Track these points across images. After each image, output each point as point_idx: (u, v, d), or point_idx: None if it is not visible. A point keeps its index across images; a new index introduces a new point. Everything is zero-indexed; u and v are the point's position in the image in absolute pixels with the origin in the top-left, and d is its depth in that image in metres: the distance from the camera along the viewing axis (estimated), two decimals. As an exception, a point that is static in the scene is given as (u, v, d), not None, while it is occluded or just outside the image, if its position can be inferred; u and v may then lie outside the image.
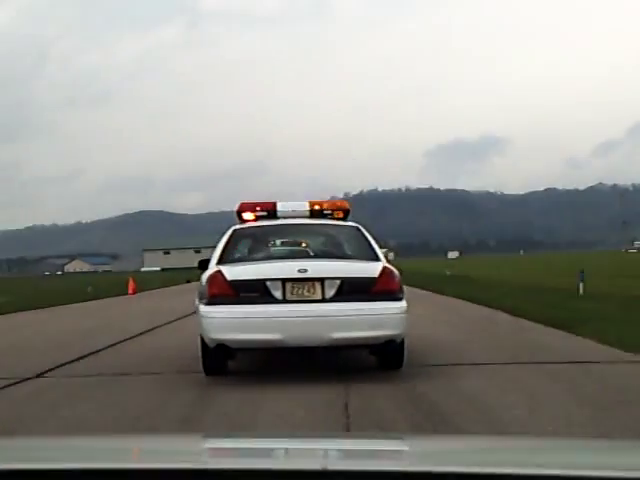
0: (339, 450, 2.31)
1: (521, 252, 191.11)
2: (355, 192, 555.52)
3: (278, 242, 11.48)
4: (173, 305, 25.65)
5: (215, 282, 9.31)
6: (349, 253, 10.53)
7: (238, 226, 10.96)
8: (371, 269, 9.46)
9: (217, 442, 2.70)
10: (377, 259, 9.88)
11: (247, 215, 11.21)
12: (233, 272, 9.37)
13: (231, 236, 10.52)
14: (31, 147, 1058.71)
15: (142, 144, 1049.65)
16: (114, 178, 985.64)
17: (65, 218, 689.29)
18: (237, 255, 10.37)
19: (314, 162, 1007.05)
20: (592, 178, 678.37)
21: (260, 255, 10.58)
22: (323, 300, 9.15)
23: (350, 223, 11.12)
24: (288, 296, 9.15)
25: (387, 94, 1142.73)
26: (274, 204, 11.21)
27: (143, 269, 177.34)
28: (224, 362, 9.81)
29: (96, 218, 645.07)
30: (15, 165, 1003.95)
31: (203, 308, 9.29)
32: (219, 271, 9.40)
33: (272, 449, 2.31)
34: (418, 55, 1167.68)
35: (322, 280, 9.19)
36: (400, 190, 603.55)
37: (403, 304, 9.34)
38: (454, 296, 26.22)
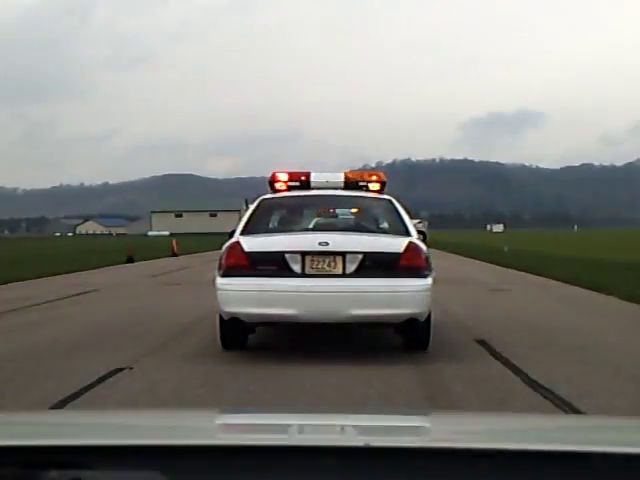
0: (357, 426, 2.28)
1: (575, 227, 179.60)
2: (388, 161, 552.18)
3: (305, 214, 11.14)
4: None
5: (232, 253, 9.21)
6: (378, 227, 10.48)
7: (266, 196, 10.79)
8: (396, 244, 9.22)
9: (232, 418, 2.67)
10: (407, 234, 9.55)
11: (279, 185, 10.94)
12: (251, 243, 9.25)
13: (258, 206, 10.31)
14: (66, 107, 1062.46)
15: (177, 107, 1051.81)
16: (146, 141, 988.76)
17: (93, 179, 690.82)
18: (262, 226, 10.04)
19: (347, 131, 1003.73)
20: (630, 154, 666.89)
21: (284, 227, 10.47)
22: (343, 275, 9.00)
23: (383, 196, 10.79)
24: (307, 270, 9.01)
25: (423, 65, 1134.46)
26: (308, 174, 10.91)
27: (150, 233, 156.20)
28: (243, 336, 9.71)
29: (124, 180, 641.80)
30: (47, 124, 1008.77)
31: (218, 280, 9.22)
32: (237, 242, 9.28)
33: (287, 425, 2.26)
34: (456, 27, 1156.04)
35: (343, 254, 9.02)
36: (434, 160, 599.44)
37: (428, 281, 9.10)
38: None
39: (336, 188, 10.84)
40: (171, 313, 14.09)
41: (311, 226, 10.55)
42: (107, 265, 33.38)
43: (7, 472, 1.47)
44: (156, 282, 23.32)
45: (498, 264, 32.11)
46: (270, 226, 10.38)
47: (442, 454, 1.60)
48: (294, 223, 10.63)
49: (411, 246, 9.15)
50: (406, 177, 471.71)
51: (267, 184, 11.14)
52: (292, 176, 10.95)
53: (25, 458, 1.54)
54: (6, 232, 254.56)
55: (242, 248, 9.14)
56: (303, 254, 9.02)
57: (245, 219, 10.00)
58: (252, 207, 10.35)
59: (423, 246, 9.38)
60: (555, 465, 1.55)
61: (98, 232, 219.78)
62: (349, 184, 10.88)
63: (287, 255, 9.00)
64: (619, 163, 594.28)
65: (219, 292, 9.14)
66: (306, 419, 2.43)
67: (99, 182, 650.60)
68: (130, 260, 36.43)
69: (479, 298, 17.46)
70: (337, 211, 11.53)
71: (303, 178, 10.88)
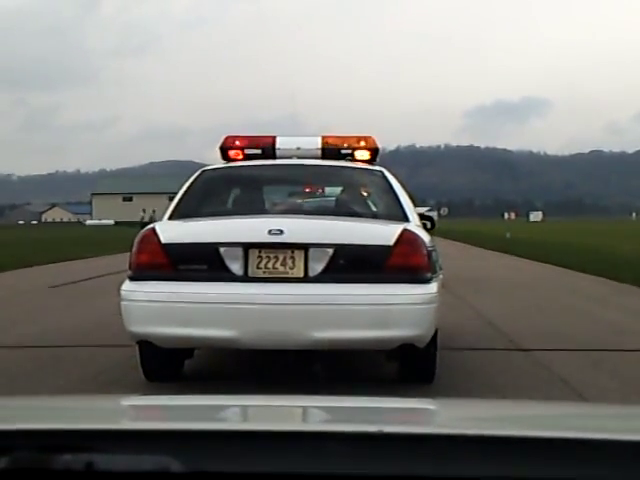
0: (367, 409, 2.17)
1: (633, 215, 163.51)
2: (391, 147, 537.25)
3: (265, 192, 8.58)
4: None
5: (144, 246, 6.63)
6: (363, 209, 7.86)
7: (209, 167, 8.38)
8: (383, 233, 6.68)
9: (244, 400, 2.46)
10: (404, 218, 7.10)
11: (234, 152, 8.39)
12: (172, 232, 6.77)
13: (195, 180, 7.78)
14: (68, 94, 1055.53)
15: (178, 94, 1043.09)
16: (146, 128, 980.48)
17: (90, 166, 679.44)
18: (197, 208, 7.50)
19: (350, 117, 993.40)
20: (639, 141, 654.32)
21: (226, 209, 7.88)
22: (305, 279, 6.45)
23: (374, 167, 8.24)
24: (252, 271, 6.45)
25: (427, 53, 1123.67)
26: (273, 139, 8.45)
27: (89, 222, 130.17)
28: (174, 362, 7.07)
29: (121, 166, 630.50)
30: (48, 111, 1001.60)
31: (125, 285, 6.68)
32: (152, 229, 6.69)
33: (291, 409, 2.15)
34: (461, 14, 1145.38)
35: (305, 248, 6.44)
36: (439, 147, 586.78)
37: (431, 288, 6.46)
38: None
39: (311, 157, 8.28)
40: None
41: (266, 208, 8.17)
42: None
43: (21, 456, 1.50)
44: None
45: None
46: (208, 208, 7.72)
47: (448, 440, 1.57)
48: (242, 204, 8.08)
49: (405, 236, 6.55)
50: (410, 163, 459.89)
51: (219, 152, 8.51)
52: (252, 141, 8.51)
53: (39, 442, 1.54)
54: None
55: (158, 239, 6.53)
56: (246, 247, 6.46)
57: (177, 199, 7.55)
58: (187, 183, 7.78)
59: (425, 236, 6.80)
60: (554, 451, 1.53)
61: (65, 219, 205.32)
62: (329, 152, 8.32)
63: (223, 249, 6.46)
64: (630, 150, 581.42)
65: (123, 303, 6.58)
66: (311, 401, 2.31)
67: (95, 169, 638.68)
68: None
69: None
70: (309, 187, 9.04)
71: (267, 144, 8.37)
